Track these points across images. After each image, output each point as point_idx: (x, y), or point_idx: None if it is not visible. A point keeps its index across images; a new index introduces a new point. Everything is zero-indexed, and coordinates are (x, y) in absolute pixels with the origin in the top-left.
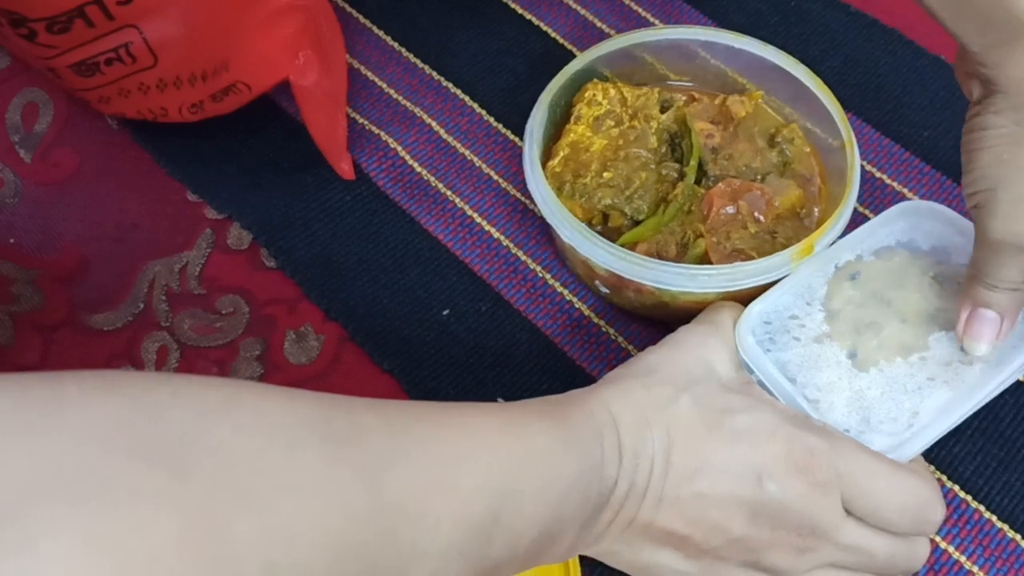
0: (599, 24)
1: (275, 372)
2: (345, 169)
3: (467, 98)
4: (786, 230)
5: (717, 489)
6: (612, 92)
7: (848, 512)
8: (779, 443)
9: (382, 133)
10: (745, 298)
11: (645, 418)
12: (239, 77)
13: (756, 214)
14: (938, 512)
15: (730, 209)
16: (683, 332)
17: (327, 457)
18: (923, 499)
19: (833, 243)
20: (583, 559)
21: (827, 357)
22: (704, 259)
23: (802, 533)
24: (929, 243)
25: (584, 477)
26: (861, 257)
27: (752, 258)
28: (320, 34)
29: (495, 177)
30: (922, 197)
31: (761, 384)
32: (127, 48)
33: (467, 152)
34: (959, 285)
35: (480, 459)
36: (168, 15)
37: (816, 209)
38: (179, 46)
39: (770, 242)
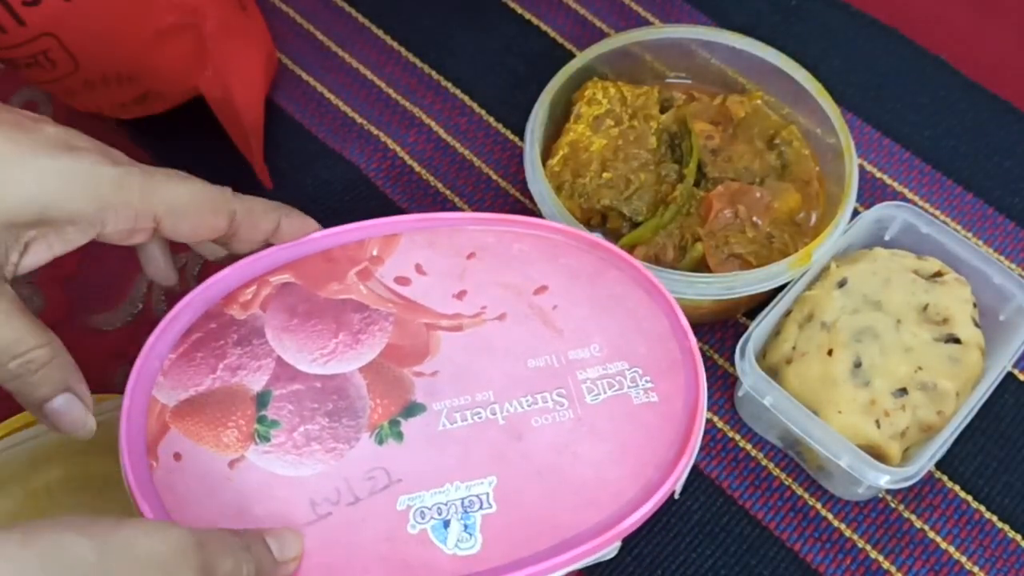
0: (598, 23)
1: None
2: (264, 179)
3: (467, 98)
4: (783, 235)
5: None
6: (612, 91)
7: None
8: None
9: (382, 133)
10: (741, 305)
11: None
12: (150, 87)
13: (754, 218)
14: None
15: (728, 213)
16: None
17: None
18: None
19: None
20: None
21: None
22: (702, 263)
23: None
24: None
25: None
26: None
27: (750, 264)
28: (219, 52)
29: (495, 177)
30: (922, 197)
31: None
32: (45, 55)
33: (467, 152)
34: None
35: None
36: (74, 24)
37: (814, 213)
38: (93, 50)
39: (768, 247)
